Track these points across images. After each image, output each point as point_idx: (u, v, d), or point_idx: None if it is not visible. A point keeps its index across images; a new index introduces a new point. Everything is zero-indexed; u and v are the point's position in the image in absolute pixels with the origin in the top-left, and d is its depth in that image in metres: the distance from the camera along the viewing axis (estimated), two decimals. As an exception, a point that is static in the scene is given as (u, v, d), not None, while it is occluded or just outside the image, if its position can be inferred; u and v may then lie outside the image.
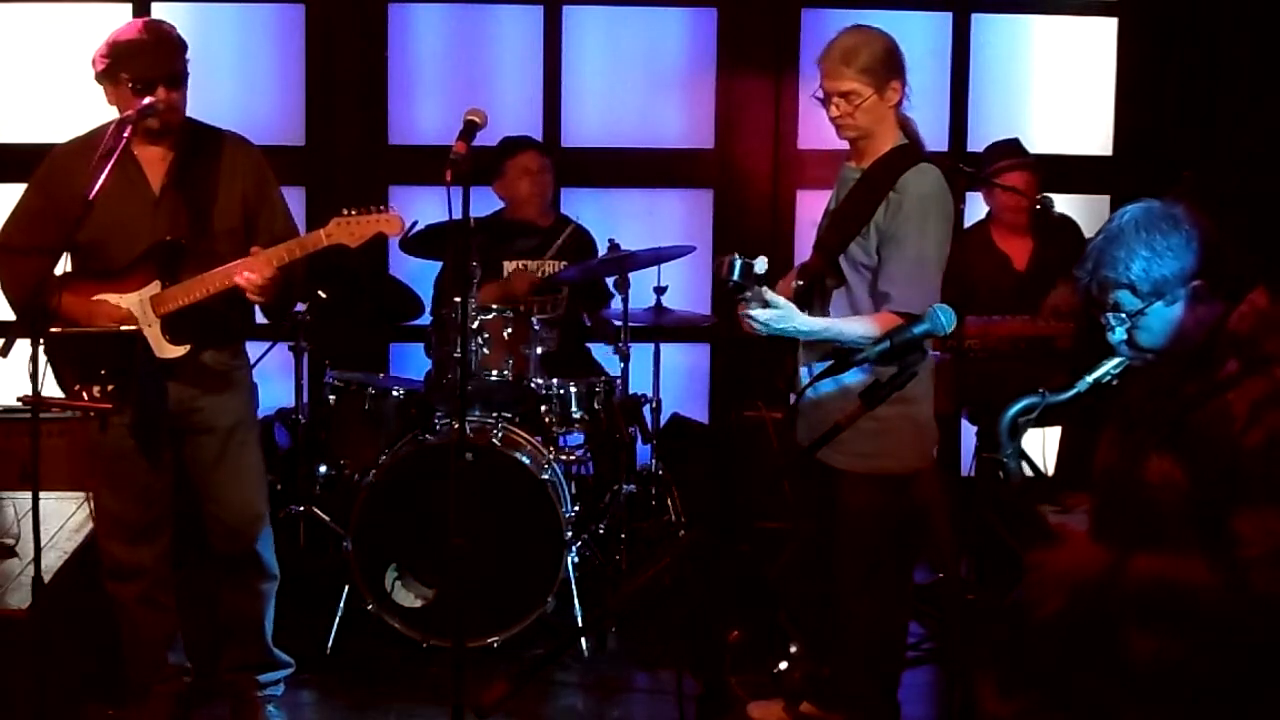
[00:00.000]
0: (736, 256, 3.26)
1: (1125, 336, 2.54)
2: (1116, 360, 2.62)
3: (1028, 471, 2.74)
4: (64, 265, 3.61)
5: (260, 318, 3.83)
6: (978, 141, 5.80)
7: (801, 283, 3.54)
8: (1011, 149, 5.08)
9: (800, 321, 3.35)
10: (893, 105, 3.43)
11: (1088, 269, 2.54)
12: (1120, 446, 2.63)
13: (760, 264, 3.28)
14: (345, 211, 3.52)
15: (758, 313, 3.31)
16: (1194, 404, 2.48)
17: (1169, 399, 2.54)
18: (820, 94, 3.43)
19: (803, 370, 3.56)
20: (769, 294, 3.31)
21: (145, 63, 3.42)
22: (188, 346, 3.55)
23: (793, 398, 3.66)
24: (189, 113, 3.59)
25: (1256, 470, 2.37)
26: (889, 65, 3.39)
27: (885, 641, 3.62)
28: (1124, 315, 2.52)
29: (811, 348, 3.51)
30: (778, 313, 3.31)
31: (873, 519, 3.46)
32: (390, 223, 3.55)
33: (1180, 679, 2.45)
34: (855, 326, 3.37)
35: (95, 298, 3.52)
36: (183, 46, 3.52)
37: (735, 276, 3.25)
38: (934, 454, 3.89)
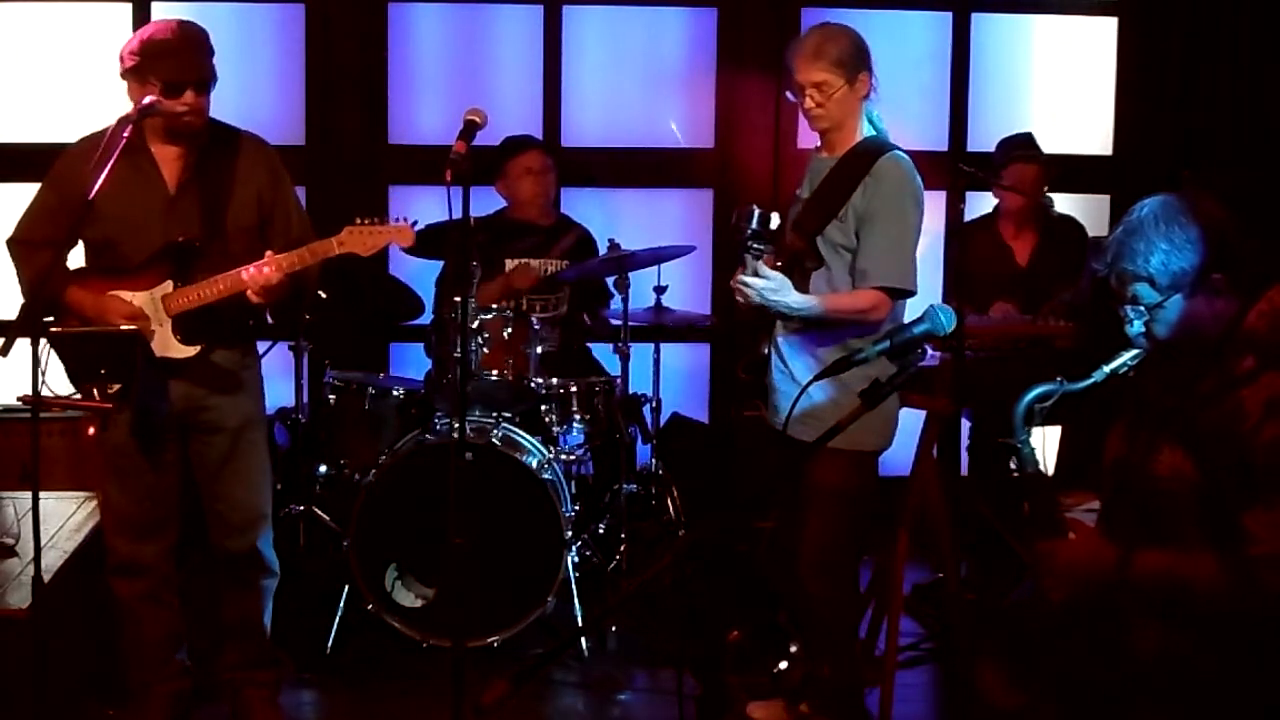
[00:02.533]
0: (754, 207, 3.38)
1: (1143, 329, 2.54)
2: (1134, 351, 2.62)
3: (1040, 458, 2.73)
4: (79, 261, 3.63)
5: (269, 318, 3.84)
6: (978, 141, 5.82)
7: (781, 264, 3.62)
8: (1021, 144, 5.10)
9: (793, 298, 3.45)
10: (861, 97, 3.57)
11: (1106, 261, 2.55)
12: (1132, 439, 2.62)
13: (775, 219, 3.43)
14: (358, 220, 3.52)
15: (754, 280, 3.42)
16: (1208, 400, 2.48)
17: (1183, 393, 2.53)
18: (793, 89, 3.57)
19: (779, 340, 3.62)
20: (764, 268, 3.42)
21: (176, 66, 3.41)
22: (199, 347, 3.55)
23: (776, 388, 3.69)
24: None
25: (1269, 467, 2.37)
26: (858, 58, 3.54)
27: (840, 622, 3.69)
28: (1143, 308, 2.52)
29: (790, 321, 3.59)
30: (772, 284, 3.42)
31: (839, 494, 3.55)
32: (403, 234, 3.55)
33: (1184, 673, 2.45)
34: (842, 301, 3.50)
35: (107, 294, 3.52)
36: (212, 50, 3.51)
37: (754, 225, 3.37)
38: (934, 452, 3.91)
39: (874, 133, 3.60)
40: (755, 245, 3.41)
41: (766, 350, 3.70)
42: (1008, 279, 5.01)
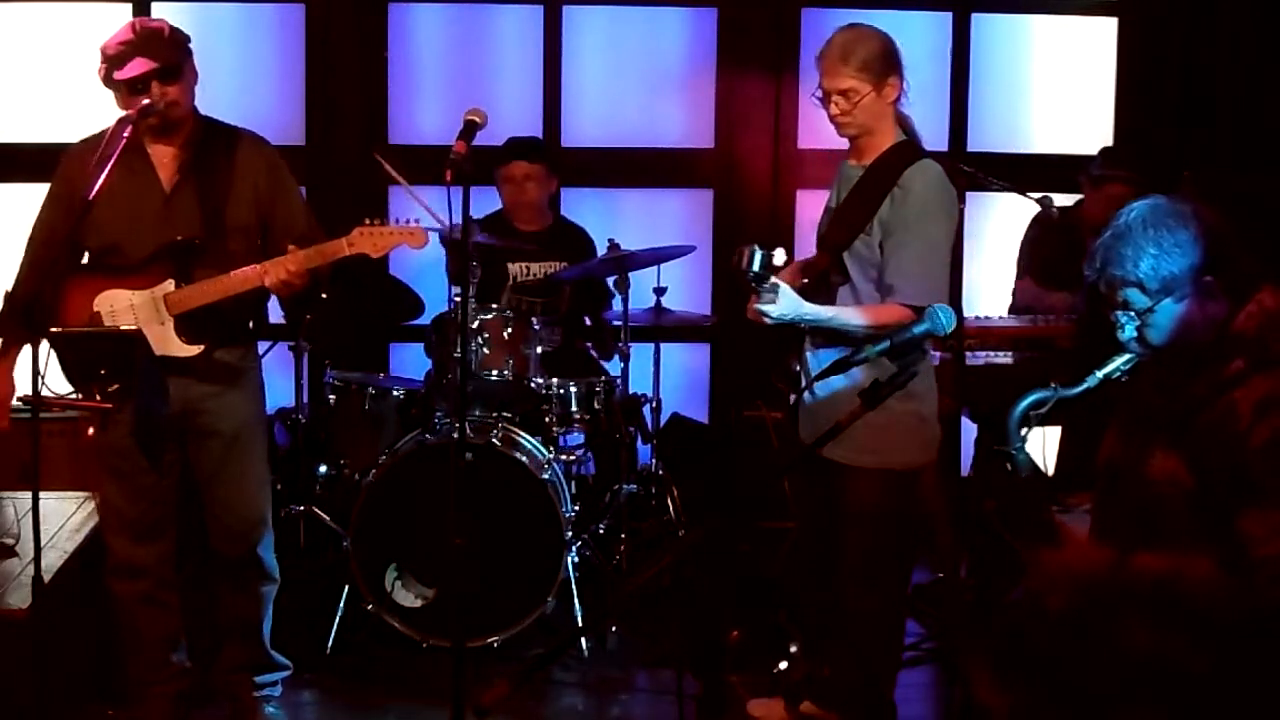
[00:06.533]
0: (756, 247, 3.21)
1: (1135, 334, 2.54)
2: (1127, 356, 2.61)
3: (1037, 464, 2.73)
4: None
5: (273, 317, 3.84)
6: (978, 141, 5.82)
7: (807, 280, 3.54)
8: (1112, 159, 4.97)
9: (806, 309, 3.33)
10: (891, 102, 3.44)
11: (1096, 267, 2.54)
12: (1125, 442, 2.63)
13: (779, 255, 3.25)
14: (368, 221, 3.52)
15: (769, 307, 3.26)
16: (1200, 403, 2.48)
17: (1175, 397, 2.54)
18: (819, 93, 3.45)
19: (808, 356, 3.53)
20: (775, 289, 3.27)
21: (133, 64, 3.42)
22: (202, 346, 3.56)
23: (806, 405, 3.65)
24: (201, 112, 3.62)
25: (1263, 470, 2.37)
26: (886, 62, 3.41)
27: (883, 640, 3.61)
28: (1134, 313, 2.52)
29: (817, 335, 3.49)
30: (784, 301, 3.27)
31: (876, 515, 3.44)
32: (415, 236, 3.55)
33: (1179, 676, 2.45)
34: (859, 315, 3.37)
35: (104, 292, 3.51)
36: (175, 40, 3.50)
37: (755, 268, 3.21)
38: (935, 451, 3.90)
39: (905, 138, 3.47)
40: (758, 286, 3.24)
41: (796, 368, 3.60)
42: (1065, 267, 4.93)
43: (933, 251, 3.37)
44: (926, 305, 3.22)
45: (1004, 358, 4.74)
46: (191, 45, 3.55)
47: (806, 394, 3.55)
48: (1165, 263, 2.47)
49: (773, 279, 3.26)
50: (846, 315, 3.38)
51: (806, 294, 3.44)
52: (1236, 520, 2.37)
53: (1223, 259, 2.48)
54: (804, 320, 3.35)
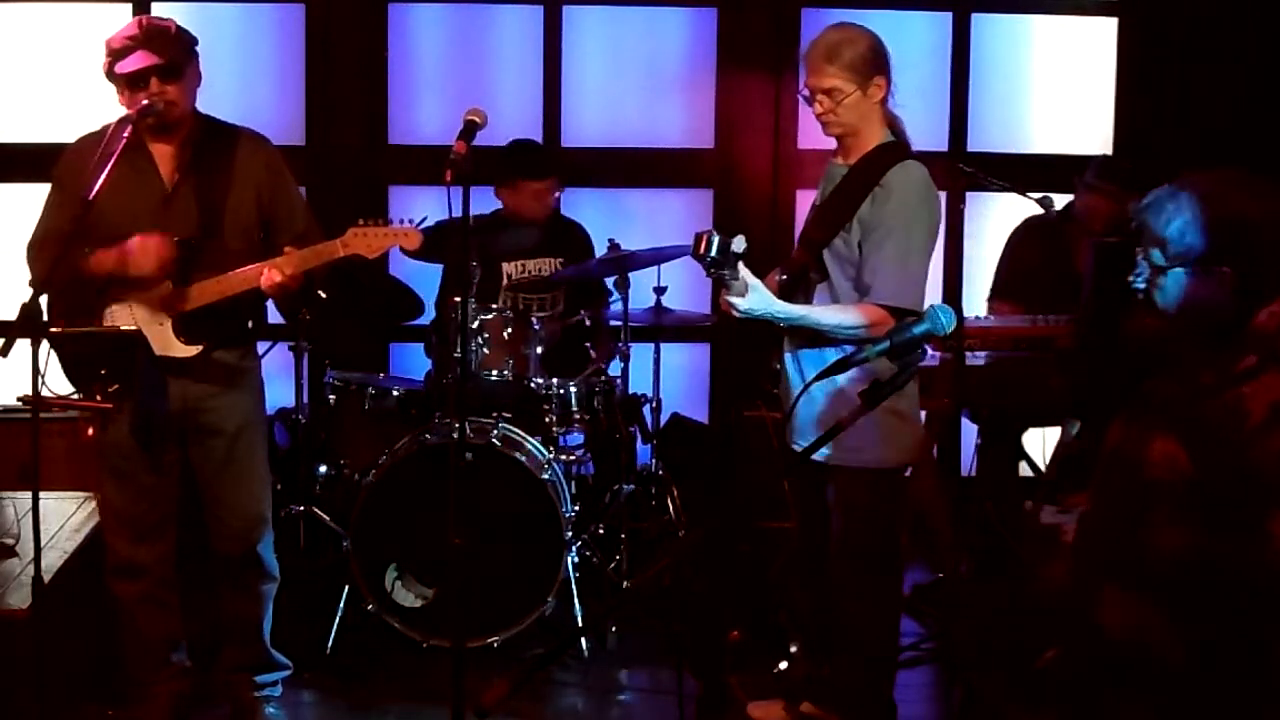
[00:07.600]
0: (714, 233, 3.17)
1: (1144, 287, 2.56)
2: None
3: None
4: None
5: (273, 317, 3.84)
6: (978, 141, 5.82)
7: (785, 276, 3.53)
8: (1104, 169, 4.95)
9: (778, 306, 3.31)
10: (877, 102, 3.42)
11: (1142, 206, 2.56)
12: (1127, 428, 2.63)
13: (739, 243, 3.19)
14: (361, 222, 3.51)
15: (737, 300, 3.25)
16: (1207, 393, 2.49)
17: (1183, 385, 2.54)
18: (805, 91, 3.45)
19: (786, 357, 3.53)
20: (744, 271, 3.23)
21: (135, 57, 3.42)
22: (201, 346, 3.55)
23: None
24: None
25: None
26: (872, 62, 3.39)
27: (878, 638, 3.62)
28: (1147, 266, 2.53)
29: (796, 334, 3.48)
30: (754, 296, 3.25)
31: (864, 514, 3.45)
32: (409, 237, 3.54)
33: (1154, 662, 2.45)
34: (833, 314, 3.36)
35: (128, 241, 3.48)
36: (180, 39, 3.51)
37: (714, 253, 3.16)
38: (934, 452, 3.89)
39: (892, 138, 3.46)
40: (718, 272, 3.19)
41: (778, 366, 3.60)
42: (1057, 276, 4.91)
43: (911, 253, 3.36)
44: (901, 306, 3.29)
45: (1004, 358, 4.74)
46: (198, 48, 3.55)
47: (791, 395, 3.52)
48: (1192, 235, 2.47)
49: (740, 269, 3.21)
50: (818, 314, 3.37)
51: (785, 291, 3.44)
52: (1265, 522, 2.36)
53: (1246, 256, 2.47)
54: (775, 317, 3.33)
